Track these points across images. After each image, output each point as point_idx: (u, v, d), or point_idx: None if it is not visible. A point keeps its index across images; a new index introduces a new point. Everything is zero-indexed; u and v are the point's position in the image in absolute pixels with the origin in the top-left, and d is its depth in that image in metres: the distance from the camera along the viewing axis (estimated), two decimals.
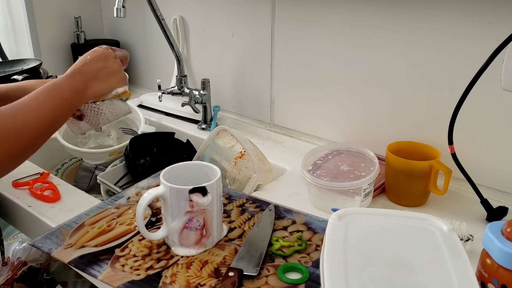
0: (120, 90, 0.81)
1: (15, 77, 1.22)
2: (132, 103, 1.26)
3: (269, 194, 0.88)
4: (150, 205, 0.81)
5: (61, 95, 0.71)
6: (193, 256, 0.69)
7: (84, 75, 0.75)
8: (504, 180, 0.86)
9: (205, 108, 1.23)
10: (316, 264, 0.67)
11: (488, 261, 0.56)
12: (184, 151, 1.10)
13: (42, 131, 0.69)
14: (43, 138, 0.70)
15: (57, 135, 1.09)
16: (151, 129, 1.19)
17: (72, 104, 0.74)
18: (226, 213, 0.80)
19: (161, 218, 0.75)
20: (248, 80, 1.22)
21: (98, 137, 1.24)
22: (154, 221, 0.78)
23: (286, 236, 0.74)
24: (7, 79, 1.20)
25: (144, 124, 1.18)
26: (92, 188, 1.19)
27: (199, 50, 1.32)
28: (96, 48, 0.80)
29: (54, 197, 0.86)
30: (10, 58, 1.45)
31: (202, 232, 0.69)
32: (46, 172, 0.94)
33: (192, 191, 0.66)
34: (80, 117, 0.81)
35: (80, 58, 0.77)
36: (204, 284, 0.63)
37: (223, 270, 0.66)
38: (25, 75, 1.24)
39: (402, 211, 0.67)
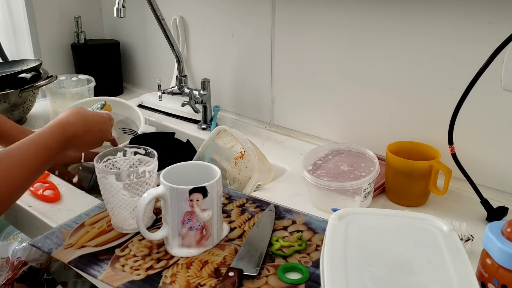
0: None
1: (23, 75, 1.22)
2: (132, 103, 1.26)
3: (269, 194, 0.88)
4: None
5: (48, 159, 0.70)
6: (193, 256, 0.69)
7: (75, 149, 0.76)
8: (504, 180, 0.86)
9: (205, 108, 1.23)
10: (316, 264, 0.67)
11: (488, 261, 0.56)
12: (184, 151, 1.10)
13: (25, 183, 0.68)
14: (19, 193, 0.68)
15: None
16: (151, 129, 1.19)
17: (52, 161, 0.72)
18: (226, 213, 0.80)
19: (161, 218, 0.75)
20: (248, 80, 1.22)
21: None
22: (154, 221, 0.78)
23: (286, 236, 0.74)
24: (14, 78, 1.20)
25: (144, 124, 1.18)
26: (92, 188, 1.19)
27: (199, 50, 1.32)
28: (102, 120, 0.81)
29: (54, 197, 0.86)
30: (10, 58, 1.45)
31: (202, 232, 0.69)
32: (46, 172, 0.94)
33: (192, 191, 0.66)
34: None
35: (81, 126, 0.76)
36: (204, 284, 0.63)
37: (223, 270, 0.66)
38: (33, 73, 1.24)
39: (402, 211, 0.67)
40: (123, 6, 1.04)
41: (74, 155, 0.89)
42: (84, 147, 0.79)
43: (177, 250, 0.69)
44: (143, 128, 1.16)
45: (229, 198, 0.85)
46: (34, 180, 0.70)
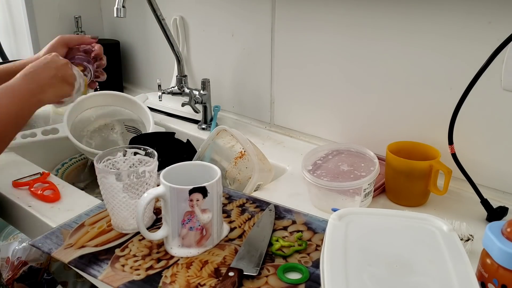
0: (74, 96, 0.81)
1: None
2: (140, 100, 1.25)
3: (269, 194, 0.88)
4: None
5: (19, 95, 0.71)
6: (193, 256, 0.69)
7: (36, 79, 0.74)
8: (504, 180, 0.86)
9: (205, 108, 1.23)
10: (316, 264, 0.67)
11: (488, 261, 0.56)
12: (184, 151, 1.10)
13: (6, 130, 0.69)
14: (7, 137, 0.70)
15: (68, 134, 1.09)
16: (160, 130, 1.20)
17: (29, 104, 0.73)
18: (226, 213, 0.80)
19: (161, 218, 0.75)
20: (248, 80, 1.22)
21: (102, 130, 1.24)
22: (154, 221, 0.78)
23: (286, 236, 0.74)
24: None
25: (153, 124, 1.18)
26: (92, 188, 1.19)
27: (199, 50, 1.32)
28: (46, 55, 0.79)
29: (54, 197, 0.86)
30: (10, 58, 1.45)
31: (202, 232, 0.69)
32: (46, 172, 0.94)
33: (192, 191, 0.66)
34: None
35: (30, 65, 0.76)
36: (204, 284, 0.63)
37: (223, 270, 0.66)
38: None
39: (402, 211, 0.67)
40: (123, 6, 1.04)
41: (53, 94, 0.81)
42: (52, 79, 0.76)
43: (177, 250, 0.69)
44: (152, 129, 1.16)
45: (229, 198, 0.85)
46: (15, 129, 0.71)
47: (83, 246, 0.71)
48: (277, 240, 0.72)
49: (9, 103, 0.70)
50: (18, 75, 0.73)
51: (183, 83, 1.23)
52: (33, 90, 0.73)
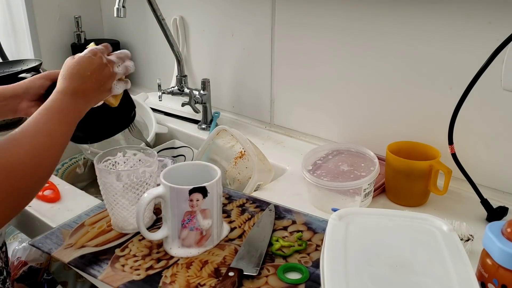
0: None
1: (23, 75, 1.22)
2: (140, 99, 1.26)
3: (269, 194, 0.88)
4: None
5: (68, 118, 0.65)
6: (193, 256, 0.69)
7: (86, 96, 0.68)
8: (504, 180, 0.86)
9: (205, 108, 1.23)
10: (316, 264, 0.67)
11: (488, 261, 0.56)
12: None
13: (57, 156, 0.62)
14: (56, 161, 0.63)
15: None
16: (164, 130, 1.20)
17: (73, 125, 0.66)
18: (226, 213, 0.80)
19: (161, 218, 0.75)
20: (248, 80, 1.22)
21: None
22: (154, 221, 0.78)
23: (286, 236, 0.74)
24: (14, 78, 1.20)
25: (155, 123, 1.18)
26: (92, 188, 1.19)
27: (199, 50, 1.32)
28: (90, 54, 0.71)
29: (54, 197, 0.86)
30: (10, 58, 1.45)
31: (202, 233, 0.69)
32: None
33: (192, 191, 0.66)
34: None
35: (79, 69, 0.68)
36: (204, 284, 0.63)
37: (223, 270, 0.66)
38: (33, 73, 1.24)
39: (402, 211, 0.67)
40: (123, 6, 1.04)
41: (93, 104, 0.74)
42: (92, 95, 0.70)
43: (177, 250, 0.69)
44: (155, 129, 1.16)
45: (229, 198, 0.85)
46: (62, 148, 0.64)
47: (83, 246, 0.71)
48: (277, 240, 0.72)
49: (61, 130, 0.63)
50: (63, 88, 0.66)
51: (183, 83, 1.23)
52: (82, 109, 0.67)
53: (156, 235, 0.69)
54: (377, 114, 1.00)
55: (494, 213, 0.80)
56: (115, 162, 0.77)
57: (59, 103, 0.65)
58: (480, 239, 0.59)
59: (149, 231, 0.69)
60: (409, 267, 0.54)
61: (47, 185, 0.89)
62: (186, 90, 1.23)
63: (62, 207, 0.84)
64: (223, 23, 1.22)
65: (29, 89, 0.74)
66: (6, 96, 0.74)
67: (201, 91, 1.22)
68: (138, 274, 0.65)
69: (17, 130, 0.60)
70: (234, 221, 0.78)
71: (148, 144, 1.13)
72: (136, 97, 1.20)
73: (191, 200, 0.66)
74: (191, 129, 1.24)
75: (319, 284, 0.60)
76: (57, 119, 0.63)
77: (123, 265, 0.67)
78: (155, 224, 0.78)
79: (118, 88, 0.74)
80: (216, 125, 1.21)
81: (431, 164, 0.81)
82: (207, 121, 1.24)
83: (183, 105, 1.24)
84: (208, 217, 0.69)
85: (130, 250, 0.70)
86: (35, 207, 0.83)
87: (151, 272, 0.66)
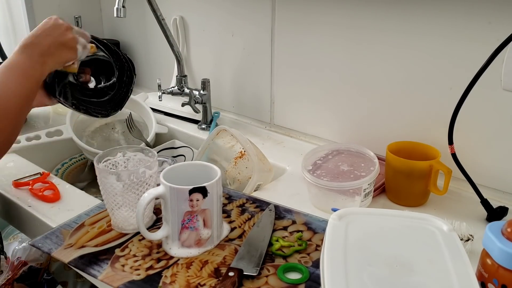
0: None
1: None
2: (140, 99, 1.26)
3: (269, 194, 0.88)
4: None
5: (22, 72, 0.69)
6: (193, 256, 0.69)
7: (36, 51, 0.71)
8: (504, 180, 0.86)
9: (205, 108, 1.23)
10: (316, 264, 0.67)
11: (488, 261, 0.56)
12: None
13: (19, 112, 0.68)
14: (20, 118, 0.69)
15: (72, 136, 1.09)
16: (164, 130, 1.20)
17: (34, 80, 0.70)
18: (226, 213, 0.80)
19: (161, 218, 0.75)
20: (248, 80, 1.22)
21: (103, 130, 1.24)
22: (154, 221, 0.78)
23: (286, 236, 0.74)
24: None
25: (156, 123, 1.18)
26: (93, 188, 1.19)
27: (199, 50, 1.32)
28: (46, 20, 0.75)
29: (54, 197, 0.86)
30: None
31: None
32: (46, 172, 0.94)
33: (192, 191, 0.66)
34: None
35: (30, 34, 0.72)
36: (204, 284, 0.63)
37: (223, 270, 0.66)
38: None
39: (402, 211, 0.67)
40: (123, 6, 1.04)
41: (54, 62, 0.78)
42: (49, 49, 0.73)
43: (177, 250, 0.69)
44: (156, 129, 1.16)
45: (229, 198, 0.85)
46: (27, 108, 0.71)
47: (83, 246, 0.71)
48: (277, 240, 0.72)
49: (16, 84, 0.67)
50: (17, 49, 0.70)
51: (183, 83, 1.23)
52: (35, 64, 0.71)
53: (156, 235, 0.70)
54: (377, 114, 1.00)
55: (494, 213, 0.80)
56: (115, 162, 0.77)
57: (11, 59, 0.70)
58: (480, 239, 0.59)
59: (149, 231, 0.69)
60: (409, 267, 0.54)
61: (47, 185, 0.89)
62: (186, 90, 1.23)
63: (62, 207, 0.84)
64: (223, 23, 1.22)
65: None
66: None
67: (201, 91, 1.22)
68: (138, 274, 0.65)
69: None
70: (234, 221, 0.78)
71: (148, 144, 1.13)
72: (136, 97, 1.20)
73: (191, 200, 0.66)
74: (191, 129, 1.24)
75: (319, 284, 0.60)
76: (10, 71, 0.68)
77: (123, 265, 0.67)
78: (155, 224, 0.78)
79: (83, 53, 0.78)
80: (216, 125, 1.21)
81: (431, 164, 0.81)
82: (207, 121, 1.24)
83: (183, 105, 1.24)
84: (209, 226, 0.69)
85: (130, 250, 0.70)
86: (35, 207, 0.84)
87: (151, 272, 0.66)
